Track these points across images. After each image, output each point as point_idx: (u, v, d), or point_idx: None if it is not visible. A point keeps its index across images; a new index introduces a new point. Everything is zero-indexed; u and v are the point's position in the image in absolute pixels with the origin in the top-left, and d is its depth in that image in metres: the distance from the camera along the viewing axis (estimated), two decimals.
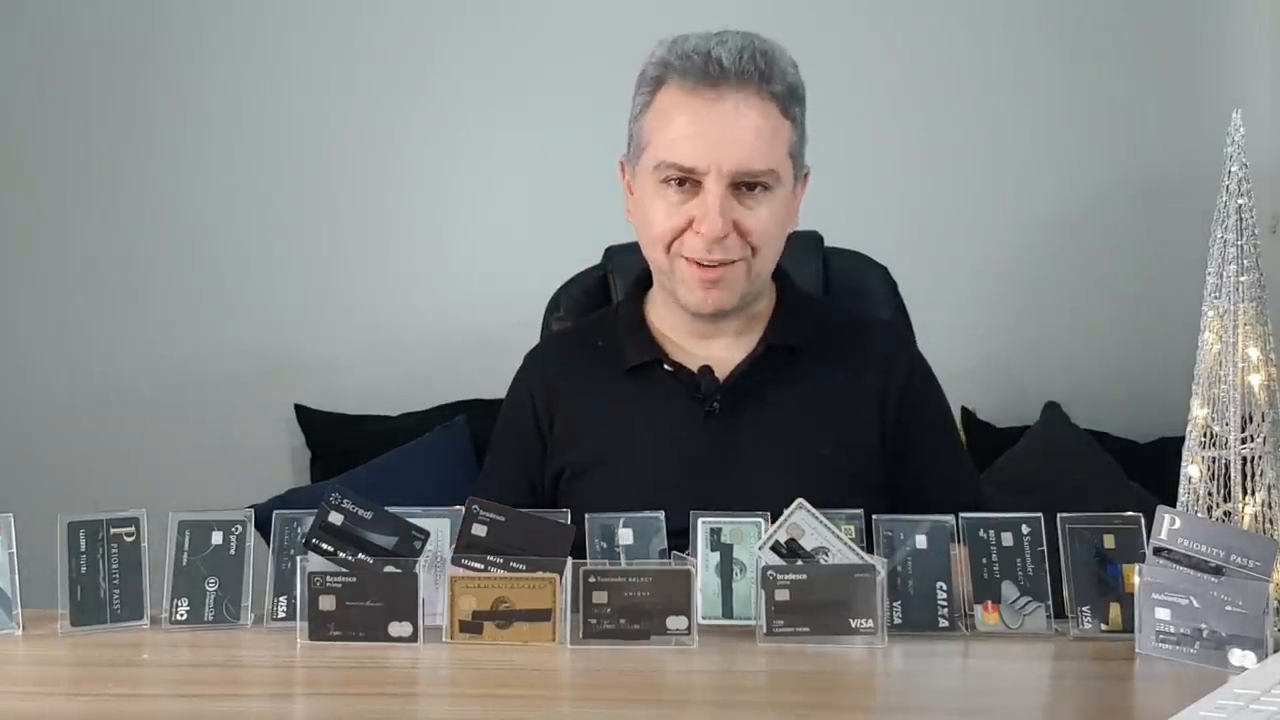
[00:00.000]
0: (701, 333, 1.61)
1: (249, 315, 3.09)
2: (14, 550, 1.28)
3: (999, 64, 3.02)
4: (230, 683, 1.17)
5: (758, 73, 1.48)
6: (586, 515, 1.34)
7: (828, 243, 1.90)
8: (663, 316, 1.64)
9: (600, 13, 3.01)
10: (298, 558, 1.24)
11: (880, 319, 1.81)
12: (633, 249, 1.85)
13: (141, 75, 3.09)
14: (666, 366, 1.59)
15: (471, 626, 1.22)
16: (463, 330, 3.05)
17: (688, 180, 1.50)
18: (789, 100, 1.52)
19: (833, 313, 1.71)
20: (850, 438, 1.56)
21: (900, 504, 1.51)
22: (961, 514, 1.29)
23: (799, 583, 1.21)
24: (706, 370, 1.57)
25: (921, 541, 1.28)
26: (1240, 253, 1.20)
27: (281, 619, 1.29)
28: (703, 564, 1.27)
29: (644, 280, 1.67)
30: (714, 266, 1.52)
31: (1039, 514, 1.29)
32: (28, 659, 1.22)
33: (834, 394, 1.58)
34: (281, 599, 1.30)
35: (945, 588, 1.27)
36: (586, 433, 1.61)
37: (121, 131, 3.09)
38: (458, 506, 1.27)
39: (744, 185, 1.50)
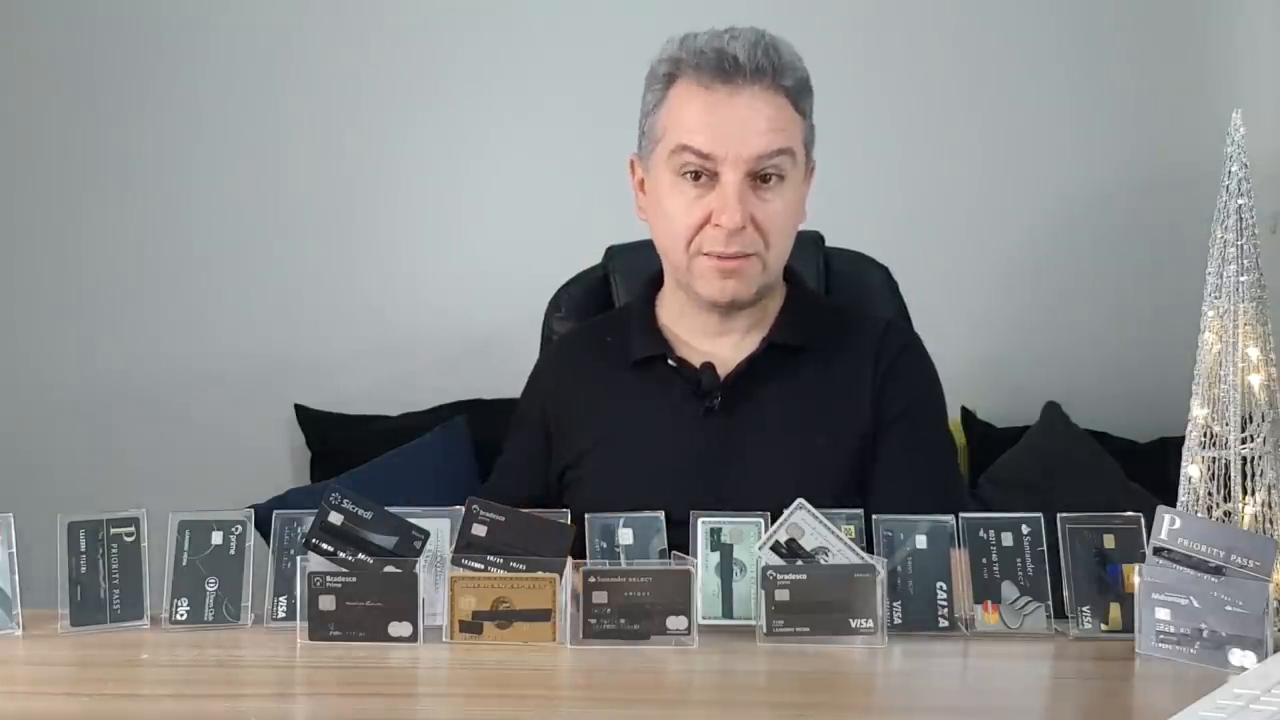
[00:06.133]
0: (711, 330, 1.61)
1: (249, 315, 3.09)
2: (14, 550, 1.28)
3: (999, 64, 3.02)
4: (230, 683, 1.16)
5: (771, 66, 1.50)
6: (586, 515, 1.34)
7: (829, 243, 1.90)
8: (673, 314, 1.64)
9: (601, 13, 3.01)
10: (298, 558, 1.24)
11: (877, 314, 1.80)
12: (634, 249, 1.85)
13: (147, 81, 3.09)
14: (670, 362, 1.60)
15: (471, 626, 1.22)
16: (463, 330, 3.05)
17: (704, 174, 1.51)
18: (800, 94, 1.53)
19: (839, 311, 1.71)
20: (849, 436, 1.56)
21: (867, 494, 1.51)
22: (962, 514, 1.29)
23: (799, 583, 1.21)
24: (708, 367, 1.58)
25: (921, 541, 1.28)
26: (1240, 253, 1.20)
27: (281, 619, 1.29)
28: (703, 564, 1.27)
29: (655, 279, 1.68)
30: (732, 259, 1.52)
31: (1039, 514, 1.29)
32: (28, 659, 1.22)
33: (833, 392, 1.58)
34: (281, 599, 1.30)
35: (945, 588, 1.27)
36: (588, 426, 1.61)
37: (121, 131, 3.09)
38: (458, 506, 1.27)
39: (759, 177, 1.51)
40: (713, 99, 1.50)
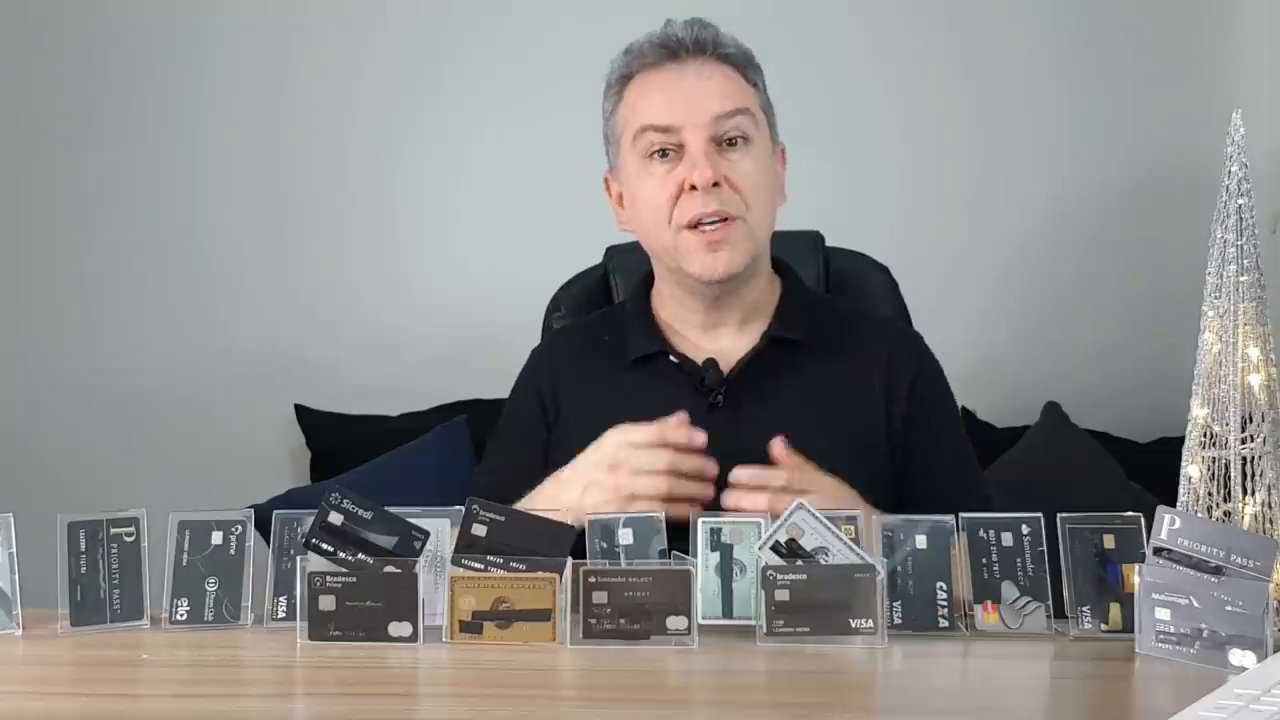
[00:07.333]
0: (707, 322, 1.62)
1: (249, 315, 3.09)
2: (14, 550, 1.28)
3: (999, 64, 3.02)
4: (230, 683, 1.17)
5: (711, 40, 1.58)
6: (587, 515, 1.34)
7: (829, 243, 1.90)
8: (669, 309, 1.64)
9: (600, 15, 3.01)
10: (298, 558, 1.24)
11: (887, 315, 1.81)
12: (633, 248, 1.85)
13: (148, 82, 3.09)
14: (671, 358, 1.60)
15: (471, 626, 1.22)
16: (463, 330, 3.04)
17: (669, 149, 1.55)
18: (746, 66, 1.59)
19: (837, 308, 1.72)
20: (853, 432, 1.57)
21: (905, 499, 1.51)
22: (962, 514, 1.29)
23: (799, 583, 1.21)
24: (711, 363, 1.58)
25: (921, 541, 1.28)
26: (1240, 253, 1.20)
27: (281, 619, 1.29)
28: (703, 564, 1.26)
29: (649, 277, 1.69)
30: (714, 226, 1.54)
31: (1039, 514, 1.29)
32: (28, 659, 1.22)
33: (838, 388, 1.59)
34: (281, 599, 1.30)
35: (945, 588, 1.26)
36: (589, 424, 1.61)
37: (120, 131, 3.09)
38: (458, 506, 1.27)
39: (724, 142, 1.56)
40: (664, 78, 1.57)
